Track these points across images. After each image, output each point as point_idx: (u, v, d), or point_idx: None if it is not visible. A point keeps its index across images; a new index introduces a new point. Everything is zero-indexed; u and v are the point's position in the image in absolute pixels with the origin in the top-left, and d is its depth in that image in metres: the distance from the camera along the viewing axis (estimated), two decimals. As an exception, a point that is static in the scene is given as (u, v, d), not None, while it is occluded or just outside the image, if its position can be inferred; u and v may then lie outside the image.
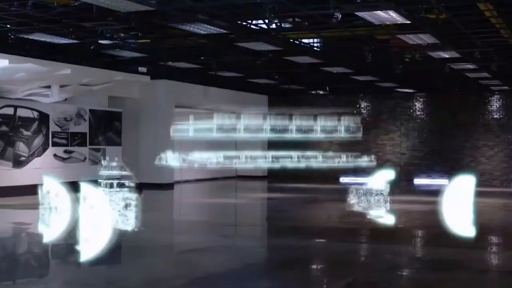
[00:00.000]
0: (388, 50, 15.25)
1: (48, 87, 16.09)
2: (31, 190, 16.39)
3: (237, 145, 25.64)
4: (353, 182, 17.49)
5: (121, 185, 10.62)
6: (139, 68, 17.96)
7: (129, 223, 10.25)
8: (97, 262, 8.28)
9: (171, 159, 13.11)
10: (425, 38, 13.17)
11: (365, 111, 24.78)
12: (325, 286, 7.17)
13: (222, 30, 12.56)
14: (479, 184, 22.33)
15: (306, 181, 21.16)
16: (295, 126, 13.59)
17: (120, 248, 9.18)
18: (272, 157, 14.55)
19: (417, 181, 22.86)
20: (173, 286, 6.91)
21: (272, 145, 25.66)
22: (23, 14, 11.40)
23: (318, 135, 13.83)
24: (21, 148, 16.44)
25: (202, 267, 7.88)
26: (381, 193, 12.80)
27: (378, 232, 10.80)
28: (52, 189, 10.70)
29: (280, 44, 14.21)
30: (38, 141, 16.89)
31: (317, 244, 9.95)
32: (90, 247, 9.24)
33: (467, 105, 23.45)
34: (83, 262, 8.34)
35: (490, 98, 23.19)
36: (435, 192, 14.56)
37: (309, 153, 15.55)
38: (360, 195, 12.84)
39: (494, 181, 22.87)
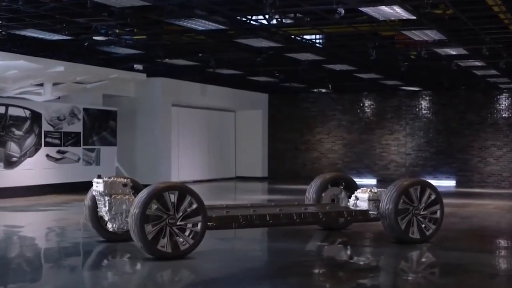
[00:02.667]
0: (392, 46, 15.30)
1: (41, 85, 16.03)
2: (23, 191, 16.36)
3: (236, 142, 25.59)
4: None
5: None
6: (135, 66, 18.04)
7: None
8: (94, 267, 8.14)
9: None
10: (431, 34, 13.11)
11: (369, 110, 24.66)
12: None
13: (221, 26, 12.59)
14: (487, 185, 22.55)
15: (307, 182, 20.95)
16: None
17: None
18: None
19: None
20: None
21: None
22: (14, 9, 11.37)
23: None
24: (13, 148, 16.34)
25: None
26: None
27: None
28: None
29: (281, 40, 14.24)
30: (30, 141, 16.80)
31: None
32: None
33: (475, 104, 23.42)
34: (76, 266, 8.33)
35: (498, 96, 23.14)
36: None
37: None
38: None
39: (503, 183, 22.84)
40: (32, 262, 8.49)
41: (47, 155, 17.29)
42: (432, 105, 23.95)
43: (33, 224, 12.09)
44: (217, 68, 18.41)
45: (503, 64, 16.27)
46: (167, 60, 16.99)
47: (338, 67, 18.09)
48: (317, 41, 15.02)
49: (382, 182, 22.08)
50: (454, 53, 15.30)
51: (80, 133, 18.22)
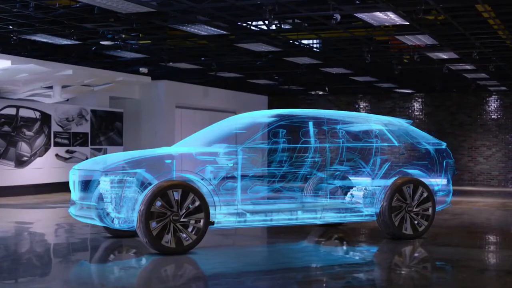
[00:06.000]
0: (387, 51, 15.38)
1: (50, 87, 16.20)
2: (33, 189, 16.63)
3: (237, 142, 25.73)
4: None
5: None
6: (140, 69, 18.14)
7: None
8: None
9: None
10: (424, 39, 13.29)
11: (364, 112, 24.86)
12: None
13: (222, 31, 12.69)
14: (477, 183, 22.72)
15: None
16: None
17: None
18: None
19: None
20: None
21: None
22: (25, 15, 11.56)
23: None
24: (23, 148, 16.54)
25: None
26: None
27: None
28: None
29: (280, 45, 14.36)
30: (40, 141, 16.99)
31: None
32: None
33: (465, 106, 23.62)
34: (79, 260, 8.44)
35: (488, 99, 23.35)
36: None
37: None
38: None
39: (492, 181, 23.03)
40: (41, 257, 8.54)
41: (56, 155, 17.47)
42: (425, 106, 24.15)
43: (43, 221, 12.18)
44: (218, 71, 18.54)
45: (492, 67, 16.45)
46: (170, 63, 17.14)
47: (334, 70, 18.17)
48: (315, 45, 15.12)
49: (377, 181, 22.32)
50: (445, 57, 15.44)
51: (88, 133, 18.37)
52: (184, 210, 8.18)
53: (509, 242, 10.19)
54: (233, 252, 9.07)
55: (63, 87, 16.41)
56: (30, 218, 12.67)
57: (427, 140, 10.64)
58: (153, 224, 8.03)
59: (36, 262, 8.17)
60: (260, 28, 12.87)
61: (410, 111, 24.36)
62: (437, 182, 10.27)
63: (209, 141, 9.45)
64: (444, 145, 10.77)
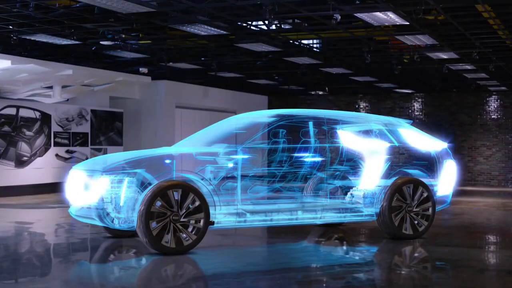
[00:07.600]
0: (387, 51, 15.39)
1: (50, 87, 16.24)
2: (33, 189, 16.66)
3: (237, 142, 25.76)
4: None
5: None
6: (140, 69, 18.19)
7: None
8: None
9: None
10: (424, 39, 13.30)
11: (364, 111, 24.91)
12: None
13: (222, 31, 12.71)
14: (477, 184, 22.77)
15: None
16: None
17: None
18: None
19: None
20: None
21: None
22: (25, 15, 11.59)
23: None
24: (23, 148, 16.58)
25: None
26: None
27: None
28: None
29: (280, 45, 14.38)
30: (40, 141, 17.04)
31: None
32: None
33: (465, 106, 23.66)
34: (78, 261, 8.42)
35: (488, 99, 23.40)
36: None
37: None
38: None
39: (492, 181, 23.06)
40: (41, 257, 8.53)
41: (56, 155, 17.50)
42: (425, 106, 24.17)
43: (43, 221, 12.17)
44: (218, 71, 18.55)
45: (492, 67, 16.44)
46: (170, 63, 17.15)
47: (334, 70, 18.17)
48: (315, 45, 15.14)
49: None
50: (445, 57, 15.45)
51: (88, 133, 18.41)
52: (184, 210, 8.19)
53: (509, 242, 10.21)
54: (233, 252, 9.08)
55: (63, 87, 16.44)
56: (30, 218, 12.67)
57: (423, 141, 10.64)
58: (153, 224, 8.03)
59: (36, 262, 8.16)
60: (260, 28, 12.89)
61: (410, 111, 24.38)
62: (437, 182, 10.27)
63: (209, 141, 9.46)
64: (445, 145, 10.76)
